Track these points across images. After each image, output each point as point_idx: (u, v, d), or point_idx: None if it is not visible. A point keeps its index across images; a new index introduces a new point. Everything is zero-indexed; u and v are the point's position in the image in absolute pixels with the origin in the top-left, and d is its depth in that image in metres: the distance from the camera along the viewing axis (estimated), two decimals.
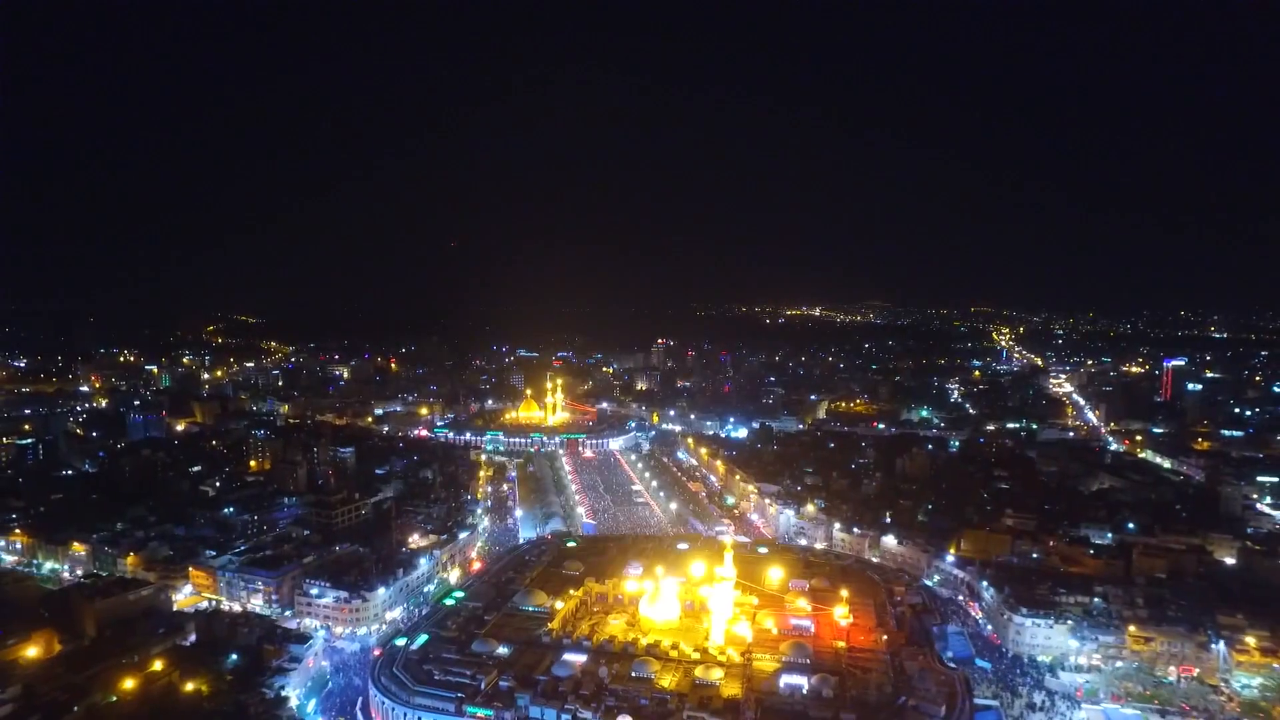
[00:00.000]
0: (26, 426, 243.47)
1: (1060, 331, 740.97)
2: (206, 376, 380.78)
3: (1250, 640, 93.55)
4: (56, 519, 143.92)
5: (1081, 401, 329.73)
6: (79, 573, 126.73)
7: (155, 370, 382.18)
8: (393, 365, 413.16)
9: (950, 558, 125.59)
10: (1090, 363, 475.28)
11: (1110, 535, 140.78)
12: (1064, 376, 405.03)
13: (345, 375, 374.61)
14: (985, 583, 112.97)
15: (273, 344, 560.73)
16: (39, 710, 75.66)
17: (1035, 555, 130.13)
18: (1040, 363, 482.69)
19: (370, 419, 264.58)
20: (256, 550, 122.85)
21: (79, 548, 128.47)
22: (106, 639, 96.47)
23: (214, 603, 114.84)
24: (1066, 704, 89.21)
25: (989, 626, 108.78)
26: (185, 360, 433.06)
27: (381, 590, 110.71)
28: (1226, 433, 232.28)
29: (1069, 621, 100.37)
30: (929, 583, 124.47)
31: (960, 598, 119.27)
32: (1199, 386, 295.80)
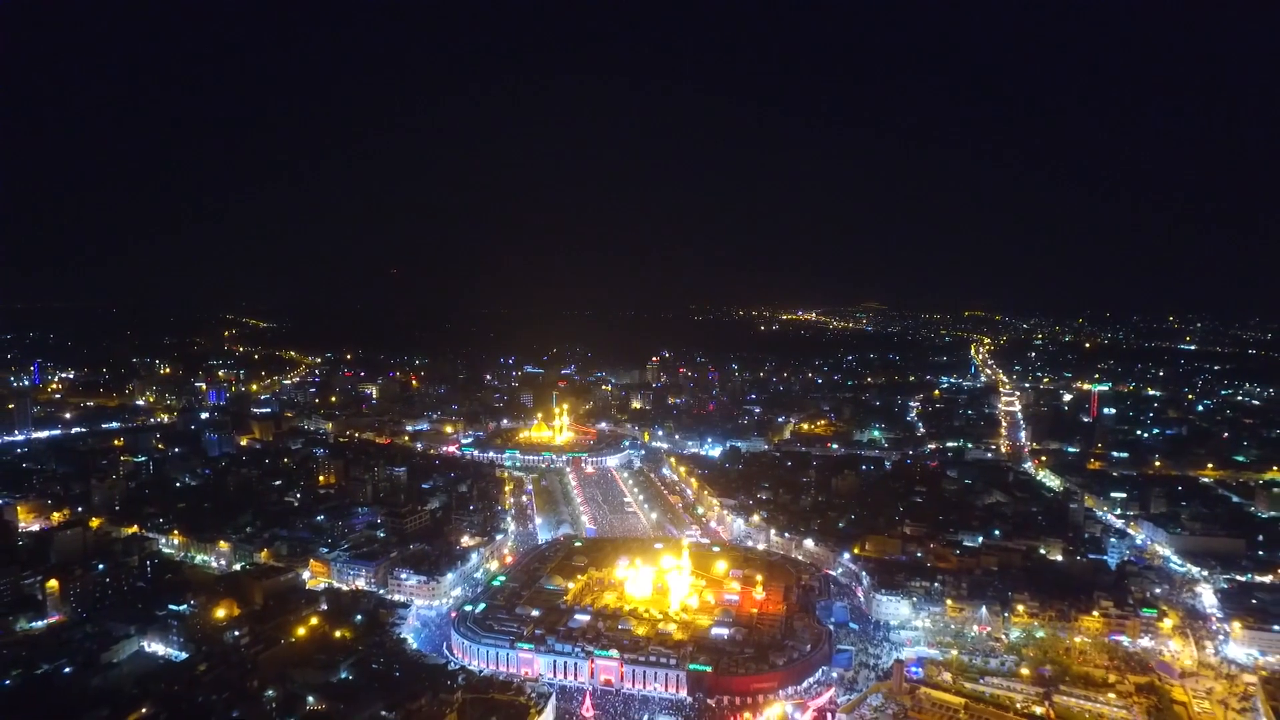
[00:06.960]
0: (117, 441, 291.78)
1: (1039, 341, 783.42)
2: (242, 390, 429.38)
3: (1020, 608, 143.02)
4: (189, 522, 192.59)
5: (1022, 421, 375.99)
6: (223, 562, 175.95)
7: (204, 387, 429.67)
8: (414, 382, 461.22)
9: (847, 555, 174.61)
10: (1047, 379, 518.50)
11: (979, 539, 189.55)
12: (1017, 395, 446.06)
13: (374, 394, 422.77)
14: (865, 573, 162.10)
15: (292, 353, 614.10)
16: (261, 641, 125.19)
17: (919, 555, 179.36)
18: (1002, 378, 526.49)
19: (406, 437, 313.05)
20: (356, 548, 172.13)
21: (224, 545, 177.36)
22: (271, 606, 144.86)
23: (328, 584, 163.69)
24: (897, 649, 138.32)
25: (864, 602, 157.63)
26: (220, 374, 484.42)
27: (449, 575, 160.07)
28: (1115, 454, 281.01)
29: (912, 599, 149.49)
30: (833, 573, 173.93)
31: (852, 583, 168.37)
32: (1113, 410, 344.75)
